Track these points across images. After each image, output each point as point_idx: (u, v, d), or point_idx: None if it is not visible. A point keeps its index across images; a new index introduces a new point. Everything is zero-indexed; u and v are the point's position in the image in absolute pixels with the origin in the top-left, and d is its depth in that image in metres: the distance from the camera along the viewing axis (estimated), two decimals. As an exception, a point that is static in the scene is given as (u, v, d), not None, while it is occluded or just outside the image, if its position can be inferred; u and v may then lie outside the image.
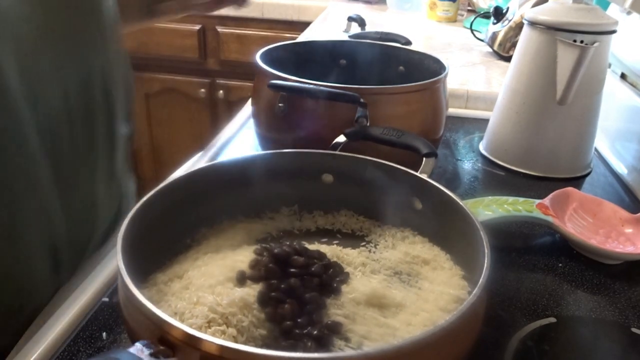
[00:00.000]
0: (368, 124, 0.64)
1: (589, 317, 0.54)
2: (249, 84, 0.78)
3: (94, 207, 0.61)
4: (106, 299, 0.52)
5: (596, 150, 0.91)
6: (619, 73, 0.97)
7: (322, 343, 0.39)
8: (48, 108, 0.51)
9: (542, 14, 0.78)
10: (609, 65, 0.93)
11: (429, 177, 0.52)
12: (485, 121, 0.91)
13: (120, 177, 0.67)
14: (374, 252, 0.52)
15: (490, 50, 1.39)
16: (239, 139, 0.90)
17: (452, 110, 1.01)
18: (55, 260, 0.55)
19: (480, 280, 0.38)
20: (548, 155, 0.82)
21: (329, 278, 0.45)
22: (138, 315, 0.35)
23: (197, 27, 2.00)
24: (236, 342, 0.38)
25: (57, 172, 0.53)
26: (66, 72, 0.53)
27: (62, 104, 0.53)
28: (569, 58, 0.74)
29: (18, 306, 0.53)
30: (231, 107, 2.06)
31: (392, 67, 0.86)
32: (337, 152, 0.58)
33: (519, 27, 1.28)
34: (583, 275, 0.60)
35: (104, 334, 0.48)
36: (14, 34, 0.47)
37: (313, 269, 0.44)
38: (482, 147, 0.90)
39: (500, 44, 1.35)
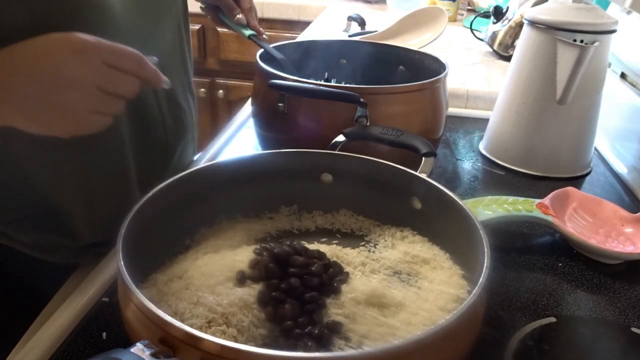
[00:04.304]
0: (368, 124, 0.64)
1: (589, 317, 0.54)
2: (249, 84, 0.78)
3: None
4: (106, 299, 0.52)
5: (596, 149, 0.91)
6: (619, 73, 0.97)
7: (322, 343, 0.39)
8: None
9: (542, 13, 0.78)
10: (609, 65, 0.93)
11: (429, 176, 0.52)
12: (485, 121, 0.91)
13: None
14: (374, 252, 0.52)
15: (490, 49, 1.39)
16: (239, 139, 0.90)
17: (452, 110, 1.01)
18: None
19: (480, 279, 0.38)
20: (548, 155, 0.82)
21: (329, 278, 0.45)
22: (138, 315, 0.35)
23: (197, 26, 2.00)
24: (236, 341, 0.38)
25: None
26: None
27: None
28: (568, 58, 0.74)
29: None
30: (231, 106, 2.06)
31: (392, 67, 0.86)
32: (336, 152, 0.58)
33: (519, 26, 1.28)
34: (583, 275, 0.60)
35: (104, 334, 0.48)
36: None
37: (313, 268, 0.44)
38: (482, 147, 0.90)
39: (500, 44, 1.35)
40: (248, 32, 0.78)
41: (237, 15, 0.78)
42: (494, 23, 1.39)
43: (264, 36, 0.79)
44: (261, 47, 0.78)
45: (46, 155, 0.57)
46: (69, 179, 0.59)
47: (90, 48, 0.45)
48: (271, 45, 0.80)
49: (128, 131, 0.62)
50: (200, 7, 0.84)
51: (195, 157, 0.83)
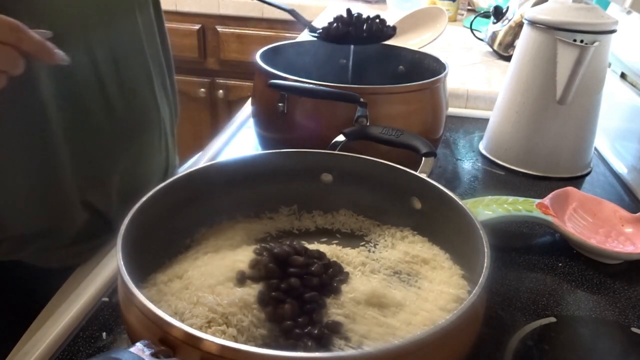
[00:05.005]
0: (368, 124, 0.64)
1: (589, 317, 0.54)
2: (249, 84, 0.78)
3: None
4: (106, 299, 0.52)
5: (596, 149, 0.91)
6: (619, 73, 0.97)
7: (322, 342, 0.39)
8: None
9: (542, 13, 0.78)
10: (609, 65, 0.93)
11: (429, 176, 0.52)
12: (485, 121, 0.91)
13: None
14: (374, 252, 0.52)
15: (490, 49, 1.39)
16: (239, 139, 0.90)
17: (452, 110, 1.01)
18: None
19: (480, 279, 0.38)
20: (548, 155, 0.82)
21: (329, 278, 0.45)
22: (138, 315, 0.35)
23: (197, 26, 2.00)
24: (236, 341, 0.38)
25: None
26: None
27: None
28: (568, 58, 0.74)
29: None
30: (231, 106, 2.06)
31: (392, 66, 0.86)
32: (336, 152, 0.58)
33: (518, 26, 1.28)
34: (583, 275, 0.60)
35: (104, 334, 0.48)
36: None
37: (313, 268, 0.44)
38: (482, 147, 0.90)
39: (500, 44, 1.35)
40: None
41: None
42: (494, 23, 1.39)
43: None
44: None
45: None
46: None
47: None
48: (271, 45, 0.80)
49: (57, 112, 0.58)
50: None
51: (195, 157, 0.83)
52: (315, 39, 0.80)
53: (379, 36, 0.79)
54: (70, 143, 0.60)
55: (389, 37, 0.80)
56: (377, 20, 0.78)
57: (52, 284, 0.58)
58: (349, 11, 0.78)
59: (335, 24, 0.78)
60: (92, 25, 0.60)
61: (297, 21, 0.80)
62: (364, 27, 0.77)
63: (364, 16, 0.78)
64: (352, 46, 0.83)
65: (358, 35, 0.77)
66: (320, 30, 0.79)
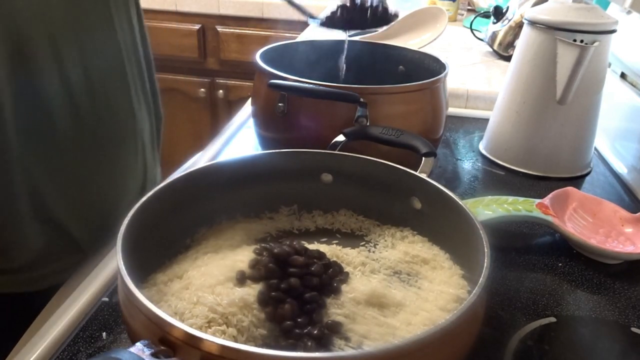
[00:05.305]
0: (368, 124, 0.64)
1: (589, 317, 0.54)
2: (249, 84, 0.78)
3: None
4: (106, 299, 0.52)
5: (596, 149, 0.91)
6: (619, 73, 0.97)
7: (322, 343, 0.39)
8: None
9: (542, 13, 0.78)
10: (609, 65, 0.93)
11: (429, 176, 0.52)
12: (485, 121, 0.91)
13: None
14: (374, 252, 0.52)
15: (490, 49, 1.39)
16: (239, 139, 0.90)
17: (452, 110, 1.01)
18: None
19: (481, 279, 0.38)
20: (548, 155, 0.82)
21: (329, 278, 0.45)
22: (138, 315, 0.35)
23: (197, 26, 2.00)
24: (236, 341, 0.38)
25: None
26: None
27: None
28: (568, 57, 0.74)
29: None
30: (231, 106, 2.06)
31: (392, 66, 0.86)
32: (336, 152, 0.58)
33: (518, 26, 1.28)
34: (583, 275, 0.60)
35: (104, 334, 0.48)
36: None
37: (313, 268, 0.44)
38: (482, 147, 0.90)
39: (500, 44, 1.35)
40: None
41: None
42: (494, 23, 1.39)
43: None
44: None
45: None
46: None
47: None
48: (271, 45, 0.80)
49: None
50: None
51: (195, 157, 0.83)
52: (318, 27, 0.82)
53: (383, 20, 0.82)
54: (29, 154, 0.56)
55: (391, 21, 0.84)
56: (380, 8, 0.80)
57: (33, 307, 0.56)
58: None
59: (339, 11, 0.79)
60: (59, 26, 0.56)
61: (297, 10, 0.80)
62: (368, 13, 0.78)
63: (367, 4, 0.80)
64: (346, 41, 0.83)
65: (363, 20, 0.79)
66: (324, 19, 0.79)
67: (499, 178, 0.82)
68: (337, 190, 0.57)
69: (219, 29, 2.01)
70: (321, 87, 0.66)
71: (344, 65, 0.84)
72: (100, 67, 0.62)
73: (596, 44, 0.74)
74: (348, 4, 0.78)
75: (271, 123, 0.74)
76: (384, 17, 0.80)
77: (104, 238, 0.62)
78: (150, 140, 0.74)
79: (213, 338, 0.31)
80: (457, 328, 0.34)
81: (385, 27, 1.24)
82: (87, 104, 0.60)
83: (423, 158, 0.55)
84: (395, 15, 0.82)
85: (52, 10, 0.56)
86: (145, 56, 0.73)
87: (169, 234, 0.50)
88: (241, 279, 0.44)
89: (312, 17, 0.80)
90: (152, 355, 0.31)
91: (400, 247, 0.52)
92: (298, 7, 0.80)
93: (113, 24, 0.64)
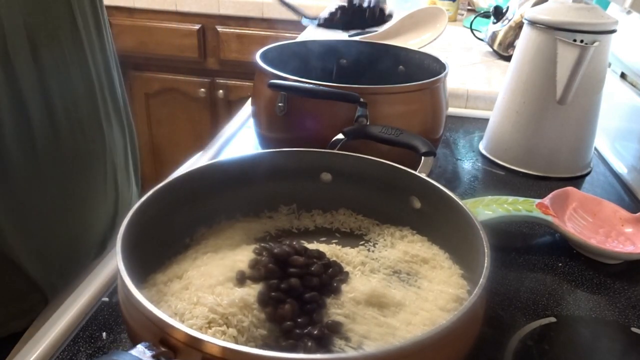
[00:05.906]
0: (368, 124, 0.64)
1: (589, 317, 0.54)
2: (249, 84, 0.78)
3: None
4: (106, 299, 0.52)
5: (596, 149, 0.91)
6: (619, 73, 0.97)
7: (322, 343, 0.39)
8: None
9: (542, 13, 0.78)
10: (609, 65, 0.93)
11: (428, 176, 0.52)
12: (485, 121, 0.91)
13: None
14: (373, 251, 0.52)
15: (490, 49, 1.39)
16: (239, 139, 0.90)
17: (452, 110, 1.01)
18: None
19: (481, 280, 0.38)
20: (548, 155, 0.82)
21: (329, 277, 0.45)
22: (138, 315, 0.35)
23: (197, 26, 2.00)
24: (236, 342, 0.38)
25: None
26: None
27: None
28: (568, 58, 0.74)
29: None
30: (231, 106, 2.06)
31: (392, 66, 0.86)
32: (335, 151, 0.58)
33: (518, 26, 1.28)
34: (583, 275, 0.60)
35: (104, 334, 0.48)
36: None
37: (313, 268, 0.44)
38: (482, 147, 0.90)
39: (500, 44, 1.35)
40: None
41: None
42: (494, 23, 1.39)
43: None
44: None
45: None
46: None
47: None
48: (271, 45, 0.80)
49: None
50: None
51: (195, 157, 0.82)
52: (316, 28, 0.84)
53: (380, 21, 0.89)
54: None
55: (387, 21, 0.90)
56: (377, 9, 0.83)
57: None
58: (350, 0, 0.83)
59: (338, 12, 0.80)
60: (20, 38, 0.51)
61: (290, 10, 0.81)
62: (366, 14, 0.80)
63: (364, 5, 0.83)
64: (351, 46, 0.84)
65: (361, 21, 0.82)
66: (323, 20, 0.81)
67: (499, 178, 0.82)
68: (337, 189, 0.57)
69: (219, 29, 2.01)
70: (321, 87, 0.66)
71: (335, 67, 0.85)
72: (56, 76, 0.55)
73: (596, 44, 0.74)
74: (346, 5, 0.79)
75: (271, 123, 0.74)
76: (381, 17, 0.83)
77: (67, 280, 0.57)
78: (124, 160, 0.69)
79: (215, 340, 0.31)
80: (457, 329, 0.34)
81: (383, 27, 1.24)
82: (41, 120, 0.54)
83: (422, 157, 0.55)
84: (390, 16, 0.85)
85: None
86: (118, 74, 0.68)
87: (169, 234, 0.49)
88: (241, 279, 0.44)
89: (305, 16, 0.81)
90: (153, 357, 0.31)
91: (400, 247, 0.52)
92: (290, 7, 0.81)
93: (80, 38, 0.58)
